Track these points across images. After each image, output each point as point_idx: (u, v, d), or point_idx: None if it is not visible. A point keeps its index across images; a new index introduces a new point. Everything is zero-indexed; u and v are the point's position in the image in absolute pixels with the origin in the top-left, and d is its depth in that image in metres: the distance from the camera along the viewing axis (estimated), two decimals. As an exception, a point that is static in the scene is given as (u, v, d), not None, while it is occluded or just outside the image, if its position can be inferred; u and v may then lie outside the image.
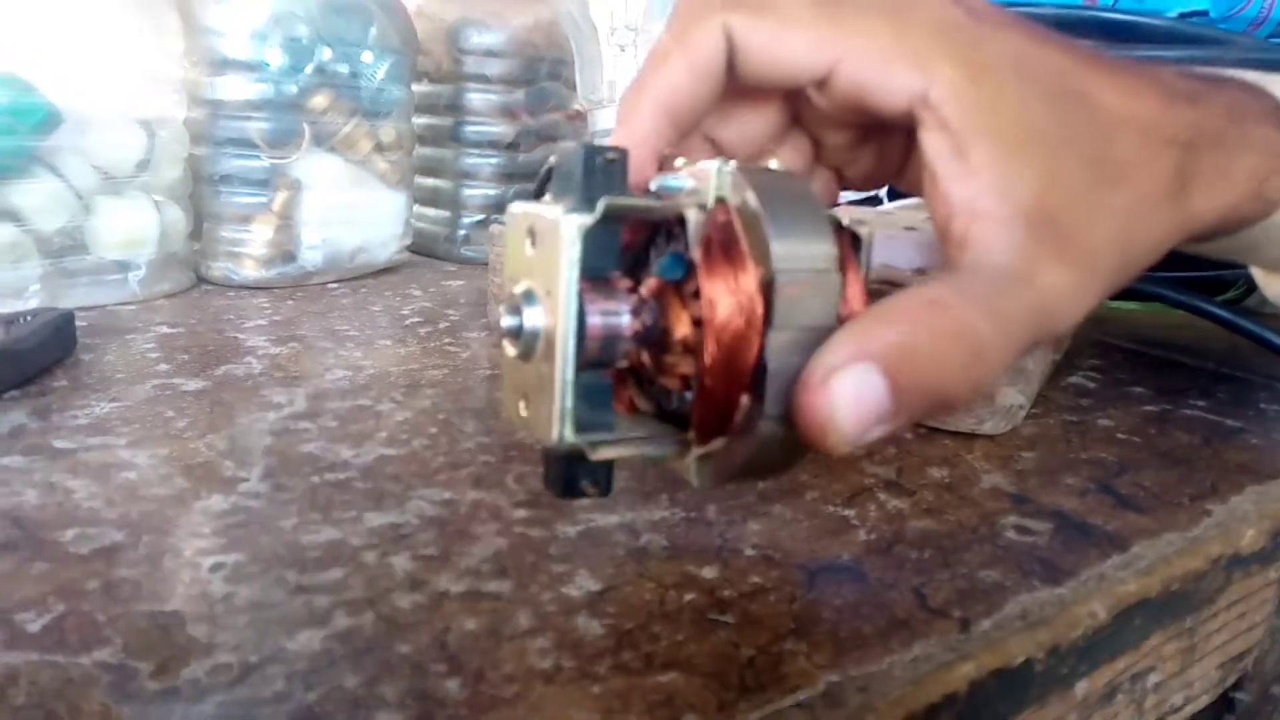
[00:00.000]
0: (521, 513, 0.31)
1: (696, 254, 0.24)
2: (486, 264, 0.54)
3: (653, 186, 0.27)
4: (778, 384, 0.24)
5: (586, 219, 0.23)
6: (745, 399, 0.24)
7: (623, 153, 0.24)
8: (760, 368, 0.24)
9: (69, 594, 0.25)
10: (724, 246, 0.24)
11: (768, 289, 0.24)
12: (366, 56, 0.62)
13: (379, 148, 0.64)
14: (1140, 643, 0.30)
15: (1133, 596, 0.28)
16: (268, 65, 0.58)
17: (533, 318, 0.24)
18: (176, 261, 0.58)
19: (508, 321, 0.24)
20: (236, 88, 0.58)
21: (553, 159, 0.25)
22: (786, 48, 0.28)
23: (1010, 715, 0.26)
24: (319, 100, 0.60)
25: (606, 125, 0.49)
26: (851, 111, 0.29)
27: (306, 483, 0.32)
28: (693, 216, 0.25)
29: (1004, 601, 0.27)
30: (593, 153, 0.24)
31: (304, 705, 0.21)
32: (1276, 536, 0.34)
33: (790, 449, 0.25)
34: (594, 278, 0.24)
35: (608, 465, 0.25)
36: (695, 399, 0.25)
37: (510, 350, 0.25)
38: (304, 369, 0.45)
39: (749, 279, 0.24)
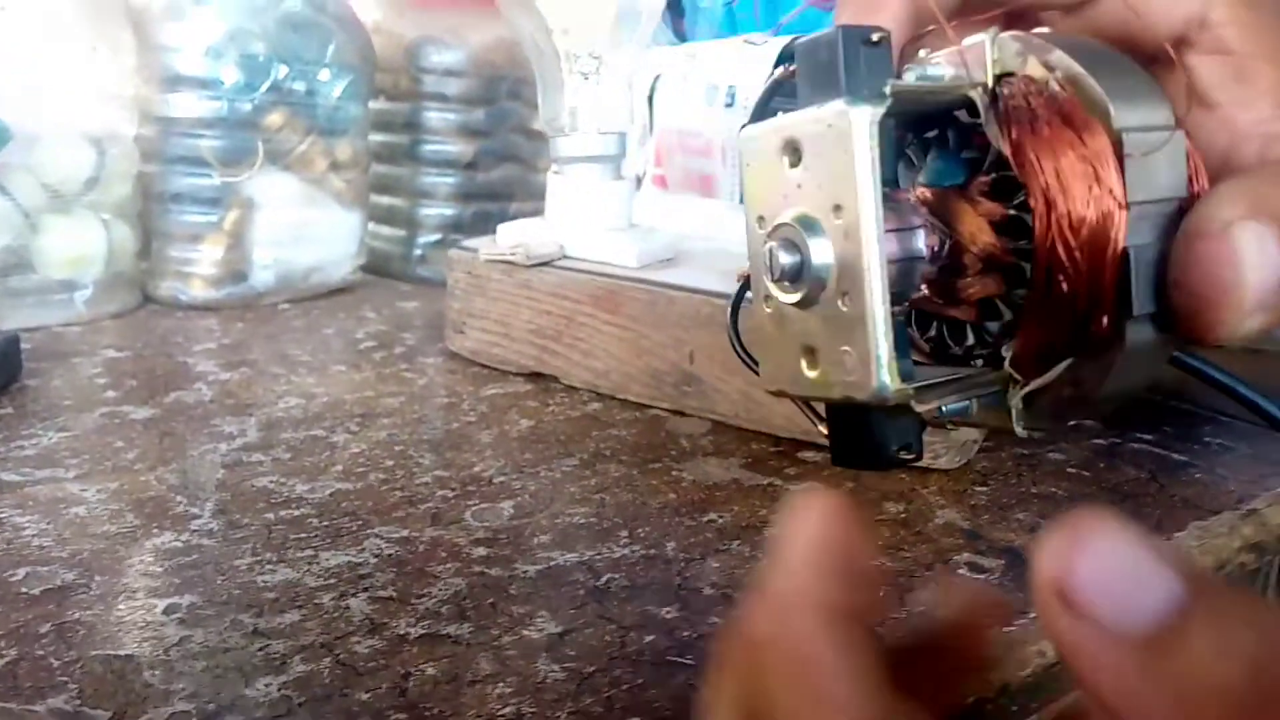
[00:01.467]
0: (480, 551, 0.31)
1: (1002, 141, 0.20)
2: (444, 285, 0.53)
3: (906, 78, 0.21)
4: (1144, 271, 0.19)
5: (879, 109, 0.19)
6: (1107, 297, 0.19)
7: (886, 34, 0.20)
8: (1123, 254, 0.19)
9: (21, 637, 0.25)
10: (1053, 111, 0.20)
11: (1118, 154, 0.19)
12: (323, 74, 0.62)
13: (334, 166, 0.64)
14: (1089, 679, 0.31)
15: (1082, 635, 0.29)
16: (222, 82, 0.58)
17: (820, 250, 0.19)
18: (124, 281, 0.57)
19: (786, 260, 0.20)
20: (189, 105, 0.58)
21: (794, 53, 0.20)
22: None
23: (963, 753, 0.27)
24: (274, 118, 0.60)
25: (569, 153, 0.49)
26: (1105, 36, 0.27)
27: (260, 519, 0.32)
28: (979, 98, 0.20)
29: (958, 642, 0.27)
30: (853, 36, 0.19)
31: (262, 757, 0.21)
32: (1219, 571, 0.34)
33: (1151, 362, 0.21)
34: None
35: (918, 423, 0.21)
36: (1027, 313, 0.20)
37: (786, 298, 0.20)
38: (255, 396, 0.44)
39: (1098, 142, 0.19)
